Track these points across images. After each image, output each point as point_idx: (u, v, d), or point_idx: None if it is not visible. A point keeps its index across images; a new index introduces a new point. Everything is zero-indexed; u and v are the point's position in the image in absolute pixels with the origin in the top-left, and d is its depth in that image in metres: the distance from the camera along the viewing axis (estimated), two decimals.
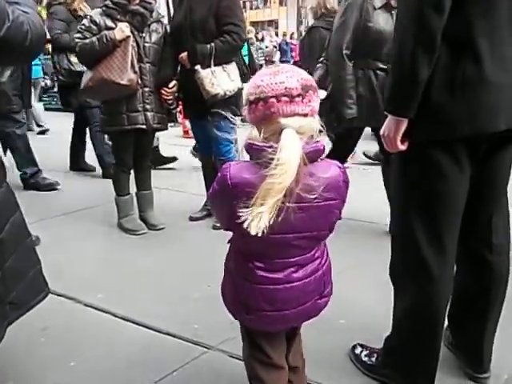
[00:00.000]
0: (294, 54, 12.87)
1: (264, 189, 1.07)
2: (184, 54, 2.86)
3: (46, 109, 9.34)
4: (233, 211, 1.12)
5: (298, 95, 1.10)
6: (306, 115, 1.12)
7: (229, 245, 1.32)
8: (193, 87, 2.81)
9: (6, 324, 1.29)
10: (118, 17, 2.75)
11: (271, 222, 1.08)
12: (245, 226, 1.08)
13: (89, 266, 2.59)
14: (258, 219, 1.07)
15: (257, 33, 14.34)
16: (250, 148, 1.15)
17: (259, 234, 1.08)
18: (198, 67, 2.79)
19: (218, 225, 2.70)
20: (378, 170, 4.19)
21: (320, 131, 1.15)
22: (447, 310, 1.55)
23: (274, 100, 1.10)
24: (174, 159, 4.68)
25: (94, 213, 3.44)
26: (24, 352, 1.84)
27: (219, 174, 1.18)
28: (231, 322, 1.38)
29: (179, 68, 3.00)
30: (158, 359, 1.80)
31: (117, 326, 2.05)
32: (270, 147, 1.09)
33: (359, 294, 2.22)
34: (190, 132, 5.49)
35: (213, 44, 2.78)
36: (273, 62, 10.35)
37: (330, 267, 1.32)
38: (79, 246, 2.86)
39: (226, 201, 1.15)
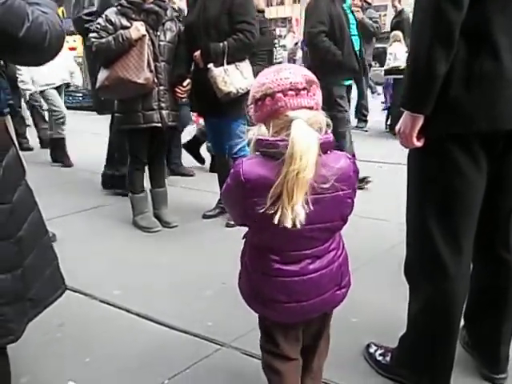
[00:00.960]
0: None
1: (289, 184, 1.10)
2: (197, 53, 2.87)
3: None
4: (248, 206, 1.16)
5: (303, 89, 1.15)
6: (311, 108, 1.16)
7: (243, 240, 1.34)
8: (206, 85, 2.82)
9: (26, 321, 1.32)
10: (133, 16, 2.78)
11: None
12: (275, 221, 1.11)
13: (104, 263, 2.62)
14: (293, 213, 1.11)
15: (273, 29, 14.20)
16: (260, 144, 1.16)
17: (298, 226, 1.12)
18: (210, 65, 2.79)
19: (232, 222, 2.71)
20: (393, 167, 4.18)
21: (327, 124, 1.18)
22: (463, 309, 1.53)
23: (280, 95, 1.14)
24: (191, 175, 4.46)
25: (109, 210, 3.48)
26: (40, 347, 1.87)
27: (232, 171, 1.20)
28: (244, 319, 1.38)
29: (193, 66, 3.01)
30: (171, 356, 1.81)
31: (132, 322, 2.07)
32: (282, 141, 1.12)
33: (373, 292, 2.20)
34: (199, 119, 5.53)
35: (226, 42, 2.78)
36: (295, 61, 10.28)
37: (347, 258, 1.33)
38: (95, 242, 2.90)
39: (240, 196, 1.17)
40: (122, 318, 2.10)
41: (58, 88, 4.74)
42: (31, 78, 4.61)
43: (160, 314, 2.09)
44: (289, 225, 1.12)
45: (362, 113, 6.55)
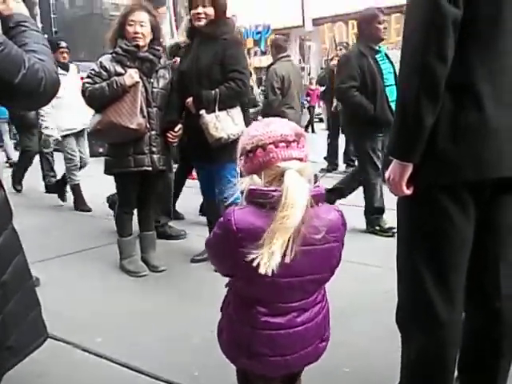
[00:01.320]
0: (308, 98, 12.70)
1: (273, 229, 1.11)
2: (190, 100, 2.93)
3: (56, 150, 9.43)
4: (239, 256, 1.14)
5: (293, 141, 1.18)
6: (301, 160, 1.19)
7: (226, 289, 1.32)
8: (197, 131, 2.87)
9: (3, 371, 1.26)
10: (128, 63, 2.84)
11: (279, 263, 1.11)
12: (254, 264, 1.10)
13: (88, 308, 2.54)
14: (267, 258, 1.10)
15: (259, 77, 14.63)
16: (253, 193, 1.17)
17: (269, 273, 1.10)
18: (202, 112, 2.85)
19: None
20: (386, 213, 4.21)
21: (315, 176, 1.22)
22: (457, 361, 1.50)
23: (272, 146, 1.17)
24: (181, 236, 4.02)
25: (95, 254, 3.42)
26: None
27: (222, 220, 1.19)
28: (232, 370, 1.34)
29: (185, 113, 3.07)
30: None
31: (114, 372, 1.98)
32: (275, 190, 1.14)
33: (365, 341, 2.16)
34: (194, 174, 5.58)
35: (217, 90, 2.86)
36: None
37: (328, 310, 1.33)
38: (79, 287, 2.82)
39: (231, 246, 1.16)
40: (104, 367, 2.01)
41: (80, 132, 4.74)
42: (56, 124, 4.59)
43: (144, 364, 2.01)
44: (262, 270, 1.10)
45: (349, 158, 6.68)
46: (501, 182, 1.38)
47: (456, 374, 1.57)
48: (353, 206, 3.93)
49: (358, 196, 4.12)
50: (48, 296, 1.92)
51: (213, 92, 2.86)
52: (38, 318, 1.38)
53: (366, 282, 2.86)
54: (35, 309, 1.38)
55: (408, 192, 1.40)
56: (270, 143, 1.16)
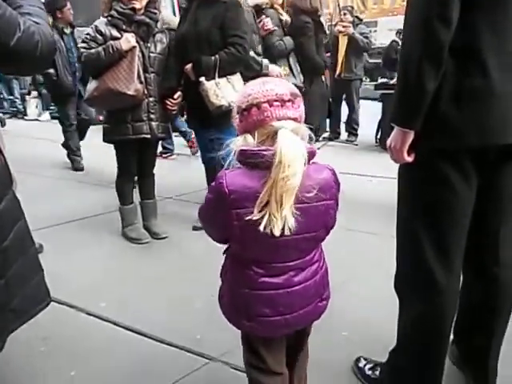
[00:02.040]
0: None
1: (278, 192, 1.11)
2: (189, 66, 2.87)
3: (53, 117, 9.46)
4: (232, 218, 1.15)
5: (289, 100, 1.17)
6: (295, 120, 1.18)
7: (224, 256, 1.33)
8: (197, 98, 2.82)
9: (7, 332, 1.29)
10: (124, 27, 2.77)
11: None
12: (262, 228, 1.12)
13: (92, 275, 2.59)
14: (281, 221, 1.12)
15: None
16: (244, 154, 1.17)
17: (287, 233, 1.13)
18: (202, 79, 2.80)
19: None
20: (383, 181, 4.21)
21: (310, 137, 1.21)
22: (453, 324, 1.53)
23: (266, 105, 1.16)
24: None
25: (98, 221, 3.44)
26: (24, 361, 1.83)
27: (213, 184, 1.19)
28: (234, 333, 1.37)
29: (183, 79, 3.01)
30: (158, 370, 1.78)
31: (118, 335, 2.03)
32: (267, 150, 1.13)
33: (362, 305, 2.20)
34: (195, 142, 5.55)
35: (217, 56, 2.79)
36: None
37: (327, 270, 1.34)
38: (82, 254, 2.86)
39: (224, 209, 1.16)
40: (109, 331, 2.07)
41: None
42: None
43: (147, 327, 2.06)
44: (277, 232, 1.13)
45: (352, 126, 6.62)
46: (504, 149, 1.37)
47: (452, 337, 1.60)
48: (346, 173, 3.92)
49: (351, 164, 4.10)
50: (51, 262, 1.95)
51: (213, 58, 2.79)
52: (40, 282, 1.40)
53: (364, 249, 2.89)
54: (38, 273, 1.40)
55: (409, 159, 1.39)
56: (265, 102, 1.15)
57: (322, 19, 4.48)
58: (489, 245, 1.51)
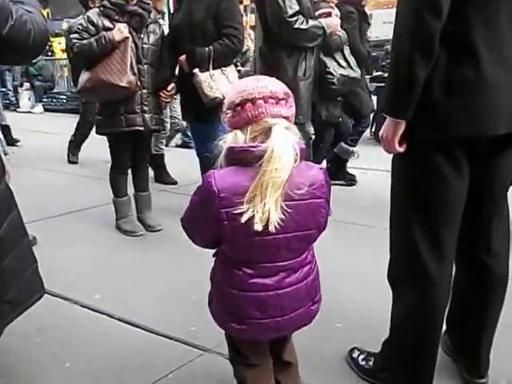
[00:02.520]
0: None
1: (264, 184, 1.10)
2: (183, 57, 2.85)
3: (46, 109, 9.39)
4: (220, 218, 1.13)
5: (282, 99, 1.17)
6: (287, 118, 1.18)
7: (214, 259, 1.32)
8: (191, 90, 2.80)
9: (3, 324, 1.29)
10: (116, 17, 2.75)
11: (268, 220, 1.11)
12: (243, 220, 1.09)
13: (86, 267, 2.58)
14: (264, 214, 1.10)
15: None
16: (232, 152, 1.15)
17: (271, 229, 1.11)
18: (196, 70, 2.78)
19: None
20: (377, 174, 4.22)
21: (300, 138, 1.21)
22: (445, 315, 1.54)
23: (261, 101, 1.15)
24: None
25: (92, 214, 3.43)
26: (18, 352, 1.82)
27: (201, 185, 1.18)
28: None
29: (178, 70, 2.99)
30: (153, 361, 1.79)
31: (113, 327, 2.04)
32: (256, 146, 1.12)
33: (355, 297, 2.21)
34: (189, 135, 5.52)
35: (211, 47, 2.78)
36: None
37: (318, 273, 1.33)
38: (76, 246, 2.85)
39: (211, 209, 1.14)
40: (103, 322, 2.07)
41: None
42: None
43: (142, 319, 2.06)
44: (259, 227, 1.10)
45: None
46: (495, 140, 1.37)
47: (444, 327, 1.62)
48: None
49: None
50: (45, 255, 1.95)
51: (206, 49, 2.77)
52: (34, 273, 1.40)
53: (358, 241, 2.90)
54: (32, 265, 1.40)
55: (401, 150, 1.39)
56: (260, 98, 1.14)
57: (366, 9, 4.38)
58: (481, 235, 1.52)
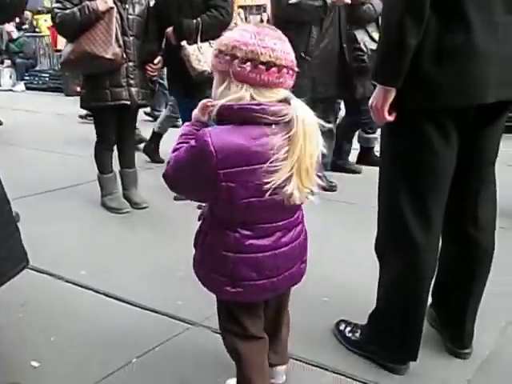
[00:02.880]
0: None
1: (296, 157, 1.09)
2: (170, 29, 2.79)
3: (28, 88, 9.17)
4: (219, 179, 1.10)
5: (295, 72, 1.14)
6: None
7: (200, 222, 1.28)
8: (179, 63, 2.75)
9: None
10: None
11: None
12: (288, 191, 1.10)
13: (72, 244, 2.54)
14: (302, 191, 1.12)
15: (246, 17, 13.90)
16: (241, 109, 1.08)
17: (295, 199, 1.13)
18: (184, 43, 2.72)
19: (204, 204, 2.64)
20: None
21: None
22: (431, 287, 1.55)
23: (285, 70, 1.11)
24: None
25: (78, 191, 3.38)
26: (1, 327, 1.79)
27: (194, 143, 1.11)
28: (216, 299, 1.36)
29: (164, 43, 2.92)
30: (140, 335, 1.77)
31: (99, 302, 2.02)
32: (274, 105, 1.09)
33: (342, 271, 2.22)
34: None
35: (199, 19, 2.71)
36: None
37: (307, 233, 1.34)
38: (62, 223, 2.80)
39: (208, 170, 1.10)
40: (89, 297, 2.04)
41: None
42: None
43: (128, 294, 2.04)
44: (298, 201, 1.14)
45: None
46: (484, 109, 1.36)
47: (430, 301, 1.63)
48: None
49: None
50: (29, 231, 1.88)
51: (194, 21, 2.71)
52: (17, 243, 1.37)
53: (344, 218, 2.91)
54: (14, 235, 1.36)
55: (390, 118, 1.38)
56: (285, 66, 1.10)
57: None
58: (468, 207, 1.52)
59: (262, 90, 1.10)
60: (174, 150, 1.18)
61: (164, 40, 2.89)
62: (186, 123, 1.26)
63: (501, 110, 1.42)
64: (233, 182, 1.10)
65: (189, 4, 2.73)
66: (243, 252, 1.19)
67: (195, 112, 1.23)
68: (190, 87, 2.80)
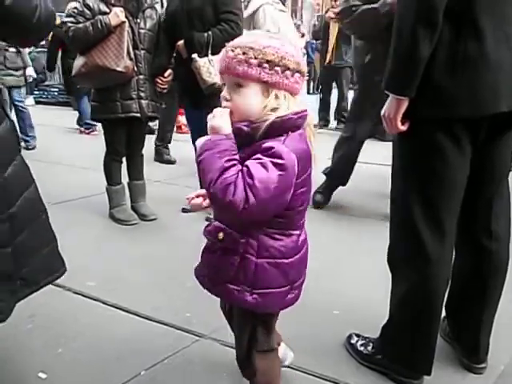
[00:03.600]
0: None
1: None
2: (181, 43, 2.82)
3: (37, 102, 9.27)
4: (299, 186, 1.11)
5: None
6: None
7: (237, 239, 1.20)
8: (189, 76, 2.77)
9: (15, 300, 1.26)
10: (112, 1, 2.71)
11: None
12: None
13: (80, 255, 2.52)
14: None
15: None
16: (297, 118, 1.10)
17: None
18: (194, 56, 2.75)
19: (211, 216, 2.62)
20: (372, 167, 4.21)
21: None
22: (445, 299, 1.53)
23: (302, 76, 1.13)
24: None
25: (86, 203, 3.38)
26: (10, 339, 1.77)
27: (276, 158, 1.03)
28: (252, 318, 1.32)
29: (175, 57, 2.96)
30: (148, 347, 1.75)
31: (107, 313, 2.00)
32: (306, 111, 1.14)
33: (353, 285, 2.19)
34: (184, 127, 5.48)
35: (210, 32, 2.75)
36: None
37: None
38: (71, 235, 2.78)
39: (292, 180, 1.07)
40: (97, 309, 2.03)
41: None
42: None
43: (137, 306, 2.02)
44: None
45: (341, 114, 6.61)
46: (498, 119, 1.36)
47: (444, 314, 1.60)
48: None
49: None
50: None
51: (205, 34, 2.75)
52: (53, 252, 1.37)
53: (357, 232, 2.89)
54: (50, 244, 1.36)
55: (403, 128, 1.37)
56: (304, 72, 1.13)
57: None
58: (481, 217, 1.50)
59: (295, 98, 1.13)
60: (224, 173, 1.04)
61: (174, 53, 2.92)
62: (208, 137, 1.12)
63: None
64: (304, 187, 1.13)
65: (199, 17, 2.77)
66: (300, 252, 1.20)
67: (217, 123, 1.11)
68: (201, 100, 2.81)
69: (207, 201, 1.21)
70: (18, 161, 1.25)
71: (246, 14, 3.38)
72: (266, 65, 1.06)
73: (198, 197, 1.24)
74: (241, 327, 1.27)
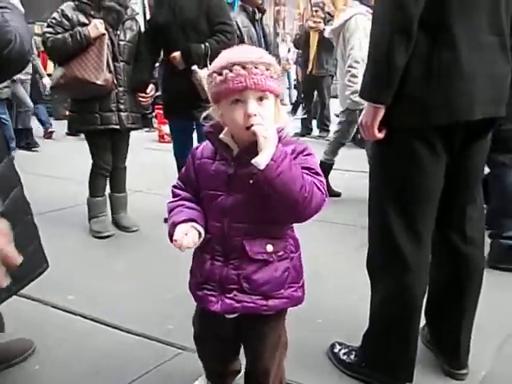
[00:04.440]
0: None
1: None
2: (177, 54, 2.80)
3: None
4: None
5: None
6: None
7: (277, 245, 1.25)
8: (183, 87, 2.74)
9: (4, 297, 1.24)
10: (92, 12, 2.69)
11: None
12: None
13: (59, 268, 2.43)
14: None
15: None
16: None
17: None
18: (194, 67, 2.73)
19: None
20: (355, 175, 4.25)
21: None
22: (424, 305, 1.53)
23: None
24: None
25: (65, 214, 3.34)
26: None
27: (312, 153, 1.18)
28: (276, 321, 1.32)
29: (164, 71, 2.95)
30: (129, 361, 1.72)
31: (87, 327, 1.96)
32: None
33: (336, 293, 2.20)
34: (166, 136, 5.44)
35: (207, 44, 2.76)
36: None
37: None
38: (49, 247, 2.69)
39: None
40: (77, 323, 1.99)
41: None
42: None
43: (117, 319, 1.99)
44: None
45: (323, 123, 6.67)
46: (472, 127, 1.38)
47: (424, 321, 1.61)
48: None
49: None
50: None
51: (202, 46, 2.75)
52: (37, 249, 1.40)
53: (339, 239, 2.90)
54: (34, 241, 1.39)
55: (380, 136, 1.39)
56: None
57: None
58: (456, 222, 1.52)
59: None
60: (304, 176, 1.12)
61: (165, 65, 2.89)
62: (280, 150, 1.11)
63: (487, 128, 1.44)
64: None
65: (194, 29, 2.77)
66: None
67: (273, 136, 1.11)
68: (195, 110, 2.78)
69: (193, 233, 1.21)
70: (6, 161, 1.25)
71: (336, 23, 3.45)
72: (278, 78, 1.16)
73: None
74: (271, 337, 1.31)
